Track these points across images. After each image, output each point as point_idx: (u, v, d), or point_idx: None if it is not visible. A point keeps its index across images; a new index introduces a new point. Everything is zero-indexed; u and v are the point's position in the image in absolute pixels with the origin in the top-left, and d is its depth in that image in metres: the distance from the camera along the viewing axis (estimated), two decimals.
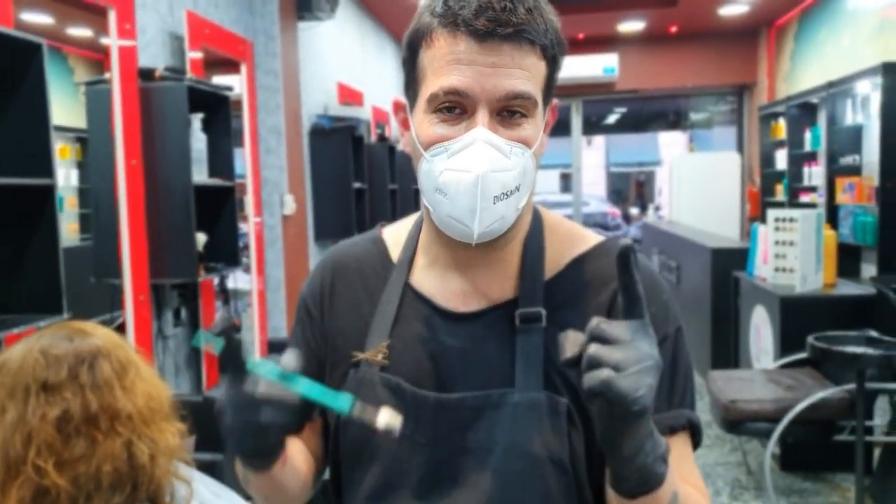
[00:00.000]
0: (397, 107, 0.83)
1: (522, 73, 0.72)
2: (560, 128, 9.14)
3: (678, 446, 0.75)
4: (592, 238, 0.84)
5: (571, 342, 0.62)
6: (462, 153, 0.72)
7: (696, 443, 0.79)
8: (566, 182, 16.06)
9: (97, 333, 1.06)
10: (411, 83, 0.78)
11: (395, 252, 0.87)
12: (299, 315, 0.92)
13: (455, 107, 0.73)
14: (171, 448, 1.05)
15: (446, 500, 0.76)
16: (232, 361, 0.69)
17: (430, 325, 0.81)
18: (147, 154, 2.75)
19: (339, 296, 0.87)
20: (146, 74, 2.74)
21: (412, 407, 0.77)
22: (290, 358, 0.70)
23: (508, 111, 0.73)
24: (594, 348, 0.60)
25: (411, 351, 0.80)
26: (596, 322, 0.61)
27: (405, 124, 0.80)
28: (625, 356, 0.60)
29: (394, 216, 6.14)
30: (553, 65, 0.76)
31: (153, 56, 2.92)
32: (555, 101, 0.81)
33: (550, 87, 0.77)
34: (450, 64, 0.72)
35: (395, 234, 0.90)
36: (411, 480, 0.77)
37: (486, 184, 0.71)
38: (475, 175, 0.70)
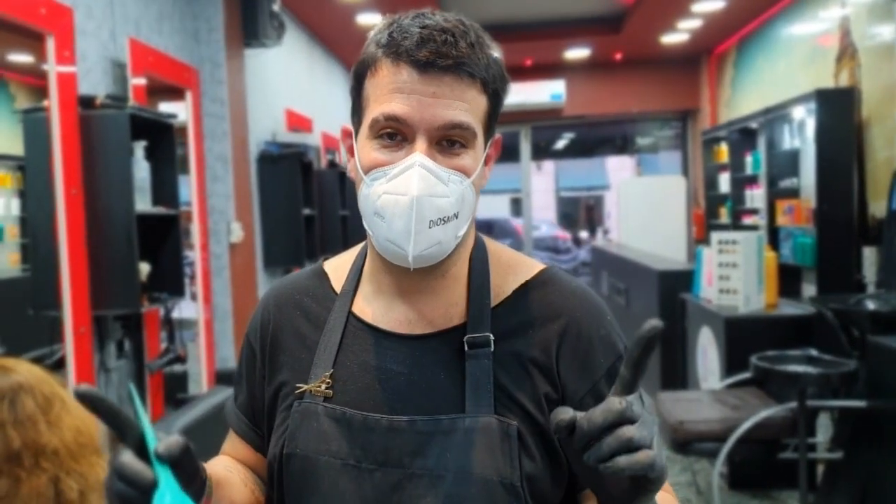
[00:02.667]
0: (345, 133, 0.84)
1: (462, 104, 0.74)
2: (509, 153, 9.28)
3: None
4: (536, 266, 0.86)
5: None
6: (400, 177, 0.73)
7: None
8: (516, 206, 16.26)
9: (19, 369, 1.03)
10: (356, 110, 0.80)
11: (338, 284, 0.87)
12: (243, 351, 0.92)
13: (396, 134, 0.75)
14: (103, 483, 1.01)
15: None
16: (126, 426, 0.66)
17: (375, 351, 0.81)
18: (88, 183, 2.68)
19: (282, 330, 0.87)
20: (86, 102, 2.68)
21: (362, 432, 0.77)
22: (171, 444, 0.64)
23: (448, 141, 0.75)
24: (632, 431, 0.60)
25: (356, 379, 0.80)
26: (620, 403, 0.61)
27: (351, 151, 0.82)
28: (649, 432, 0.61)
29: (345, 243, 6.10)
30: (495, 99, 0.78)
31: (94, 83, 2.85)
32: (498, 135, 0.82)
33: (492, 120, 0.79)
34: (392, 92, 0.74)
35: (337, 266, 0.90)
36: None
37: (422, 207, 0.72)
38: (410, 198, 0.72)
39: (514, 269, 0.85)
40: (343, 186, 6.07)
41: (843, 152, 4.70)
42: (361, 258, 0.88)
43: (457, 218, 0.75)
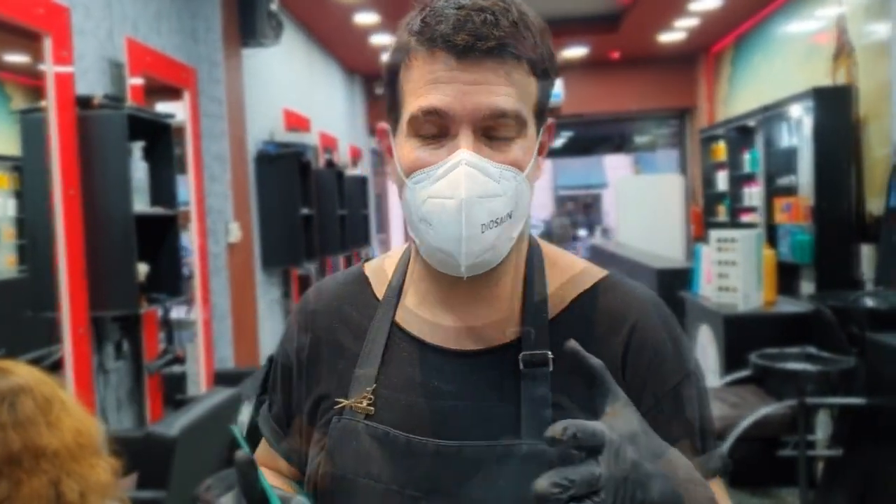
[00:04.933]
0: (381, 133, 0.76)
1: (508, 89, 0.67)
2: None
3: (718, 490, 0.70)
4: (596, 272, 0.78)
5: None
6: (445, 178, 0.66)
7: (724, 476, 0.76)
8: None
9: (18, 371, 1.03)
10: (392, 107, 0.73)
11: (380, 290, 0.80)
12: (277, 359, 0.85)
13: (438, 129, 0.68)
14: (103, 484, 1.01)
15: None
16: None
17: (420, 367, 0.73)
18: (85, 183, 2.68)
19: (320, 340, 0.80)
20: (84, 102, 2.68)
21: (406, 456, 0.70)
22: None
23: (496, 131, 0.68)
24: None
25: (400, 396, 0.72)
26: (626, 429, 0.55)
27: (389, 152, 0.74)
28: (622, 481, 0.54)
29: (343, 242, 6.10)
30: (545, 80, 0.71)
31: (92, 83, 2.85)
32: (551, 120, 0.75)
33: (543, 104, 0.72)
34: (429, 83, 0.67)
35: (379, 270, 0.82)
36: None
37: (472, 210, 0.65)
38: (459, 201, 0.65)
39: (572, 276, 0.77)
40: (341, 186, 6.07)
41: (841, 150, 4.70)
42: (405, 262, 0.80)
43: (510, 218, 0.68)
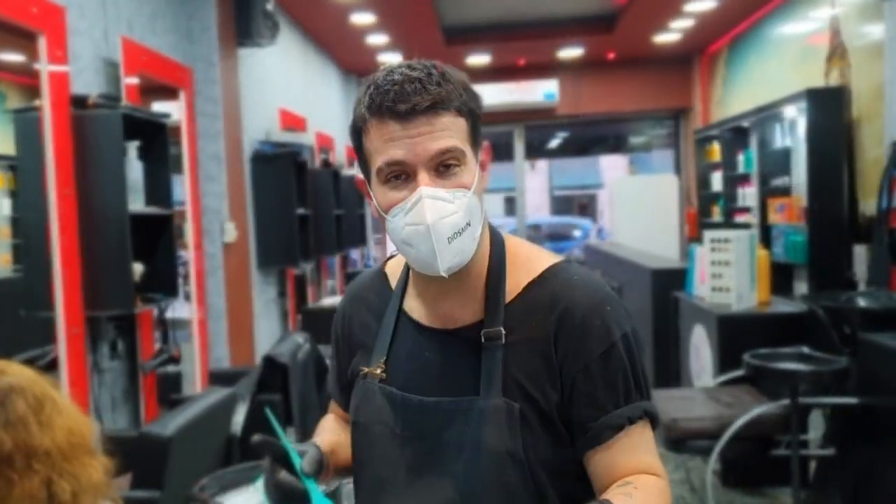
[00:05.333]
0: (360, 183, 0.98)
1: (445, 132, 0.87)
2: (504, 152, 9.28)
3: (636, 434, 0.90)
4: (548, 260, 0.97)
5: None
6: (414, 210, 0.87)
7: (655, 426, 0.94)
8: (511, 205, 16.27)
9: (9, 371, 1.02)
10: (363, 163, 0.94)
11: (394, 282, 1.05)
12: (332, 334, 1.11)
13: (400, 174, 0.88)
14: (96, 484, 1.01)
15: (429, 490, 0.92)
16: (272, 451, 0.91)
17: (417, 343, 0.98)
18: (81, 183, 2.67)
19: (353, 320, 1.06)
20: (79, 101, 2.67)
21: (402, 409, 0.95)
22: (313, 462, 0.92)
23: (444, 165, 0.88)
24: None
25: (404, 365, 0.97)
26: None
27: (369, 196, 0.95)
28: None
29: (339, 242, 6.10)
30: (471, 116, 0.91)
31: (87, 83, 2.84)
32: (485, 142, 0.95)
33: (476, 133, 0.92)
34: (386, 143, 0.88)
35: (394, 267, 1.07)
36: (402, 472, 0.94)
37: (438, 230, 0.86)
38: (426, 226, 0.86)
39: (528, 266, 0.96)
40: (337, 186, 6.06)
41: (834, 151, 4.73)
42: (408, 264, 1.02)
43: (469, 226, 0.89)
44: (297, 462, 0.89)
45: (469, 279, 0.95)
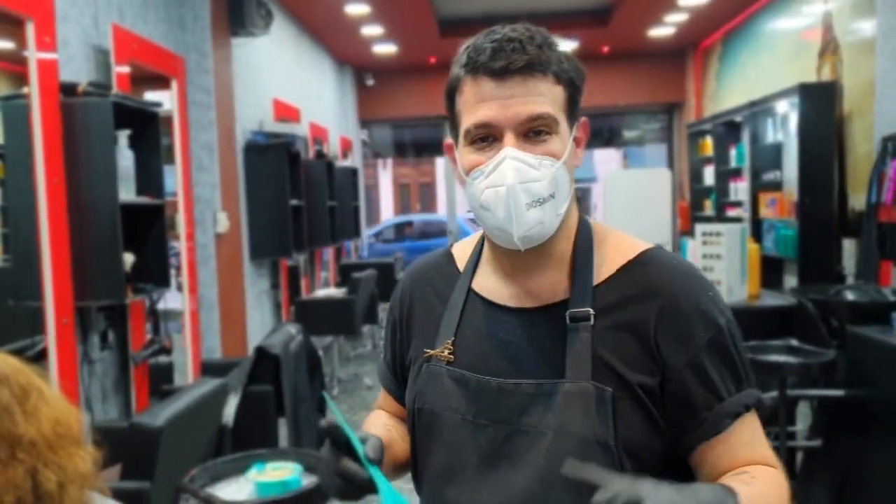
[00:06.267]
0: (448, 148, 0.94)
1: (539, 98, 0.84)
2: None
3: (750, 423, 0.87)
4: (639, 246, 0.92)
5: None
6: (495, 171, 0.84)
7: (761, 416, 0.90)
8: None
9: None
10: (453, 125, 0.91)
11: (462, 263, 1.00)
12: (388, 317, 1.07)
13: (487, 136, 0.85)
14: (83, 475, 1.00)
15: (504, 478, 0.86)
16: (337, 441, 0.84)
17: (489, 322, 0.92)
18: (70, 171, 2.66)
19: (415, 302, 1.01)
20: (68, 89, 2.65)
21: (475, 392, 0.89)
22: (376, 449, 0.84)
23: (534, 131, 0.85)
24: None
25: (473, 346, 0.91)
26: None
27: (454, 160, 0.92)
28: None
29: (333, 233, 6.09)
30: (570, 87, 0.87)
31: (76, 70, 2.82)
32: (583, 118, 0.92)
33: (573, 106, 0.88)
34: (477, 103, 0.85)
35: (462, 248, 1.03)
36: (473, 460, 0.88)
37: (517, 193, 0.82)
38: (506, 187, 0.82)
39: (617, 249, 0.92)
40: (331, 177, 6.05)
41: (825, 146, 4.75)
42: (481, 243, 1.00)
43: (553, 198, 0.84)
44: (360, 449, 0.83)
45: (551, 258, 0.90)
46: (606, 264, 0.90)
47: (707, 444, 0.84)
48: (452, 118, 0.90)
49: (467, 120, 0.86)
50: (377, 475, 0.82)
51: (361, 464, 0.83)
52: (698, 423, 0.84)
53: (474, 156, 0.86)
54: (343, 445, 0.84)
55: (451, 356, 0.92)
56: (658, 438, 0.84)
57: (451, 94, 0.89)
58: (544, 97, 0.84)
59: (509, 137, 0.84)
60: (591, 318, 0.86)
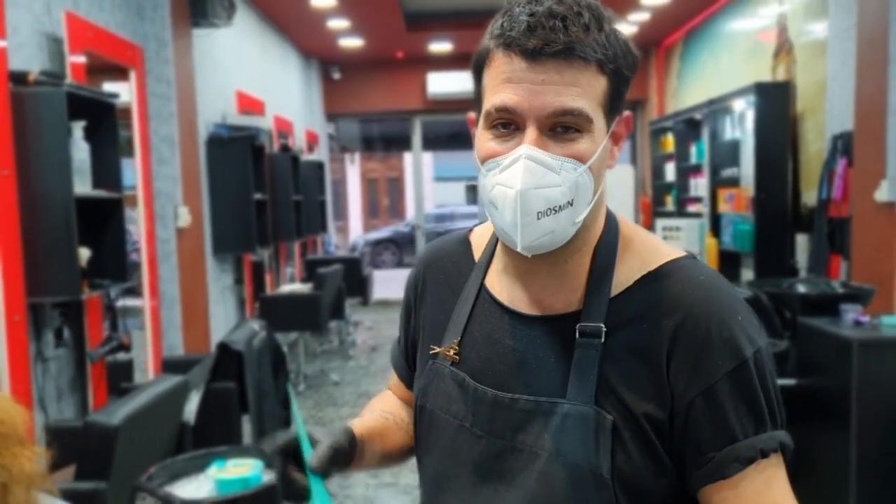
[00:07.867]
0: (471, 122, 0.85)
1: (574, 89, 0.73)
2: (464, 140, 9.28)
3: (769, 470, 0.74)
4: (668, 254, 0.82)
5: None
6: (509, 169, 0.74)
7: (787, 461, 0.78)
8: (473, 194, 16.31)
9: None
10: (477, 101, 0.81)
11: (478, 252, 0.92)
12: (404, 301, 1.01)
13: (509, 123, 0.75)
14: (29, 475, 0.99)
15: (495, 495, 0.81)
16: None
17: (497, 326, 0.85)
18: (21, 164, 2.59)
19: (428, 289, 0.95)
20: (18, 78, 2.58)
21: (473, 401, 0.83)
22: (321, 460, 0.80)
23: (562, 127, 0.74)
24: None
25: (479, 349, 0.85)
26: None
27: (475, 138, 0.83)
28: None
29: (298, 228, 6.04)
30: (616, 78, 0.76)
31: (27, 58, 2.75)
32: (627, 112, 0.81)
33: (615, 100, 0.77)
34: (503, 83, 0.74)
35: (480, 235, 0.95)
36: (466, 470, 0.83)
37: (527, 200, 0.73)
38: (515, 191, 0.73)
39: (643, 257, 0.81)
40: (296, 171, 6.00)
41: (780, 144, 4.87)
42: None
43: (571, 206, 0.74)
44: (308, 455, 0.80)
45: (566, 264, 0.81)
46: (626, 273, 0.80)
47: (711, 487, 0.74)
48: (477, 92, 0.80)
49: (490, 100, 0.76)
50: (315, 487, 0.79)
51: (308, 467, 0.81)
52: (702, 464, 0.74)
53: (492, 143, 0.76)
54: (291, 451, 0.81)
55: (457, 357, 0.86)
56: (661, 475, 0.76)
57: (479, 66, 0.79)
58: (580, 90, 0.73)
59: (531, 131, 0.73)
60: (602, 336, 0.77)
